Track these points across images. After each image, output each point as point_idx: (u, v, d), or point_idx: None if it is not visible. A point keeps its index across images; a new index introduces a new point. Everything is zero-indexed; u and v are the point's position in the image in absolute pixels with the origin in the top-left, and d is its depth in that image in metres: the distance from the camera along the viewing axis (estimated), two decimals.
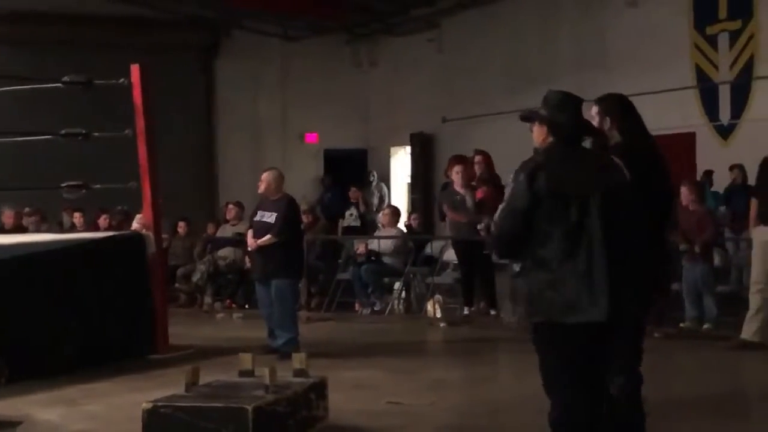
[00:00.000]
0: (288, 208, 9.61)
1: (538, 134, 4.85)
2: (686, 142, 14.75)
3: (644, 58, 15.09)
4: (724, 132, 14.40)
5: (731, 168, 13.00)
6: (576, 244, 4.61)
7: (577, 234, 4.61)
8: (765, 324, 8.95)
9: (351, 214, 16.10)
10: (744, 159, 12.82)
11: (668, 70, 14.71)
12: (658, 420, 6.38)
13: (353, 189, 17.63)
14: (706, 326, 10.00)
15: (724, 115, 14.40)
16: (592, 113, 5.52)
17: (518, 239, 4.74)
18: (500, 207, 4.78)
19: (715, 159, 13.76)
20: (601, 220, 4.61)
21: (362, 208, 17.38)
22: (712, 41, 14.51)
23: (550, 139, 4.79)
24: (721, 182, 13.24)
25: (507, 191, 4.74)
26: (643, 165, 5.19)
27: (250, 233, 9.62)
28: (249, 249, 9.54)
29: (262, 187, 9.68)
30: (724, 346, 9.09)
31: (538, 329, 4.74)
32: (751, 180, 12.48)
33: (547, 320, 4.67)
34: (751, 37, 13.91)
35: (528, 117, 4.91)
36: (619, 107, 5.55)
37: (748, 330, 8.99)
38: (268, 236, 9.35)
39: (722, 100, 14.42)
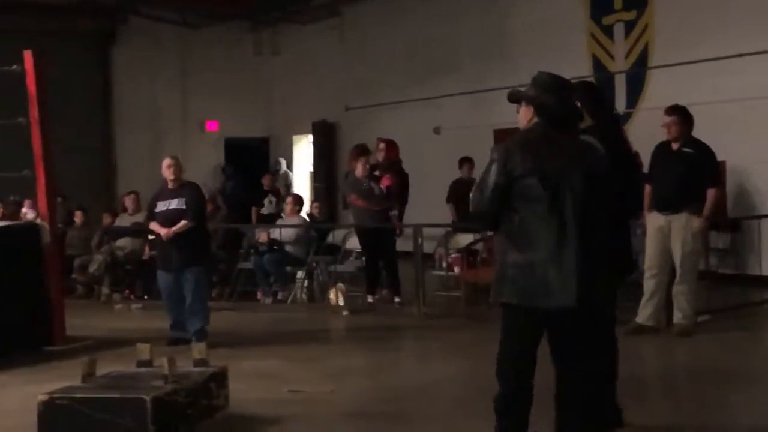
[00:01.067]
0: (198, 193, 9.64)
1: (524, 115, 4.87)
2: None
3: (543, 48, 15.27)
4: (621, 120, 14.66)
5: None
6: (548, 226, 4.61)
7: (550, 216, 4.61)
8: (658, 308, 9.15)
9: (270, 201, 15.96)
10: (639, 147, 12.96)
11: (566, 59, 14.87)
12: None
13: (267, 176, 17.46)
14: None
15: (620, 104, 14.65)
16: None
17: (489, 216, 4.78)
18: (475, 183, 4.84)
19: None
20: (574, 203, 4.62)
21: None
22: (608, 31, 14.76)
23: (535, 119, 4.80)
24: None
25: (483, 168, 4.79)
26: (612, 148, 5.32)
27: (155, 224, 9.45)
28: (164, 238, 9.32)
29: (169, 173, 9.53)
30: (621, 331, 9.24)
31: (506, 311, 4.76)
32: (646, 167, 12.77)
33: (516, 303, 4.69)
34: (645, 28, 14.18)
35: (515, 97, 4.92)
36: (589, 94, 5.74)
37: (643, 314, 9.18)
38: (183, 222, 9.26)
39: (618, 89, 14.68)
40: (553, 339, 4.81)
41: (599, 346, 5.08)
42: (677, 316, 9.07)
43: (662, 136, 9.26)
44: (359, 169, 11.76)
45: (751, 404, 6.64)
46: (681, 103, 9.40)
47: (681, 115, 9.10)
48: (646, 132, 13.48)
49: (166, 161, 9.65)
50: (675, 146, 9.08)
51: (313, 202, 15.06)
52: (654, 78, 14.09)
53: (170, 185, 9.56)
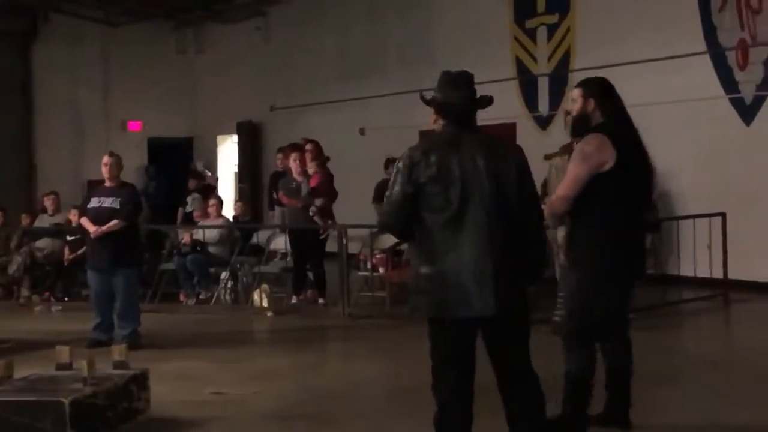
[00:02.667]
0: (134, 194, 9.56)
1: (432, 118, 4.73)
2: (507, 132, 15.11)
3: (467, 50, 15.36)
4: (543, 123, 14.84)
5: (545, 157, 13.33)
6: (457, 234, 4.45)
7: (458, 223, 4.45)
8: None
9: (194, 199, 15.79)
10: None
11: (490, 62, 15.01)
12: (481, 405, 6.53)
13: (192, 179, 17.19)
14: None
15: (543, 107, 14.84)
16: (574, 96, 5.57)
17: (397, 228, 4.73)
18: (386, 194, 4.69)
19: (535, 149, 14.09)
20: (483, 208, 4.46)
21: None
22: (531, 34, 14.92)
23: (441, 121, 4.67)
24: (540, 171, 13.58)
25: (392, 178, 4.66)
26: (623, 146, 5.31)
27: (85, 220, 9.31)
28: (92, 236, 9.18)
29: (105, 171, 9.41)
30: (545, 330, 9.33)
31: (428, 323, 4.67)
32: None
33: (434, 315, 4.58)
34: (568, 31, 14.37)
35: (423, 101, 4.80)
36: (601, 89, 5.56)
37: (559, 313, 9.28)
38: (115, 221, 9.13)
39: (541, 91, 14.85)
40: (486, 345, 4.72)
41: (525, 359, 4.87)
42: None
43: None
44: (293, 168, 11.74)
45: (669, 402, 6.75)
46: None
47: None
48: (567, 136, 13.72)
49: (104, 158, 9.56)
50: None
51: (236, 202, 14.93)
52: (576, 81, 14.19)
53: (107, 183, 9.45)
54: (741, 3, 12.20)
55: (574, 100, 5.57)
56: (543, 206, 5.21)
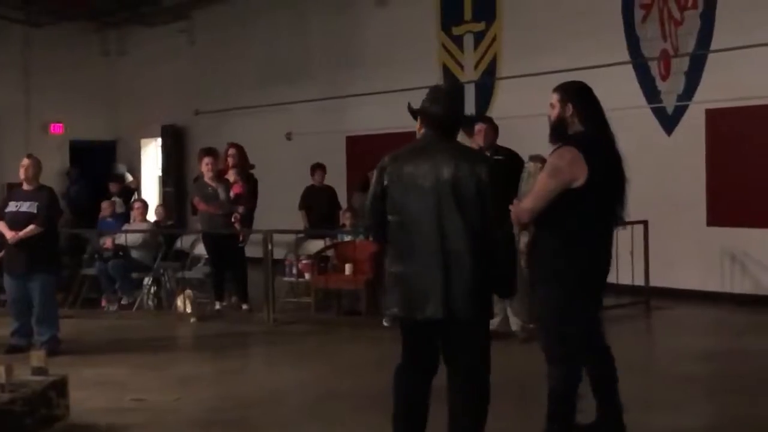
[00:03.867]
0: (52, 198, 9.33)
1: (417, 127, 4.96)
2: None
3: (394, 57, 15.42)
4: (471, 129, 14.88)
5: None
6: (416, 238, 4.64)
7: (417, 229, 4.64)
8: (505, 315, 9.30)
9: (115, 201, 15.55)
10: None
11: (417, 68, 15.06)
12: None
13: (113, 183, 16.93)
14: None
15: (470, 113, 14.89)
16: (552, 101, 5.36)
17: (372, 227, 4.92)
18: None
19: None
20: (441, 217, 4.63)
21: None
22: (458, 42, 14.99)
23: (423, 130, 4.87)
24: None
25: None
26: (604, 155, 5.19)
27: (2, 225, 9.10)
28: (9, 241, 8.97)
29: (23, 174, 9.22)
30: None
31: (399, 322, 4.83)
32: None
33: (399, 314, 4.74)
34: (494, 39, 14.47)
35: (409, 110, 5.04)
36: (579, 94, 5.38)
37: (492, 321, 9.30)
38: (32, 227, 8.93)
39: (468, 99, 14.91)
40: (441, 345, 4.85)
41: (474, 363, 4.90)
42: (514, 322, 9.21)
43: (512, 144, 9.43)
44: (206, 173, 11.64)
45: (589, 407, 6.82)
46: (528, 114, 9.61)
47: (491, 122, 9.41)
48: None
49: (23, 161, 9.35)
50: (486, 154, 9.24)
51: (157, 206, 14.73)
52: (502, 88, 14.37)
53: (25, 186, 9.25)
54: (663, 14, 12.42)
55: (552, 105, 5.37)
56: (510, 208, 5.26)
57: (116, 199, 15.38)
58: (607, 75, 12.61)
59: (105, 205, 14.17)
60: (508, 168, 9.05)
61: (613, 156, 5.30)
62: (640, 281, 11.53)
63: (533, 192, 5.25)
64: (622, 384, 7.56)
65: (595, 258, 5.25)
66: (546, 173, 5.19)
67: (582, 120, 5.27)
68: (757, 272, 11.67)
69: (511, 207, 5.21)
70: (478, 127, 9.29)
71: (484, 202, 4.67)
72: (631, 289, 11.66)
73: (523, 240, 5.43)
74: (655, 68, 12.51)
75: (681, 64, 12.28)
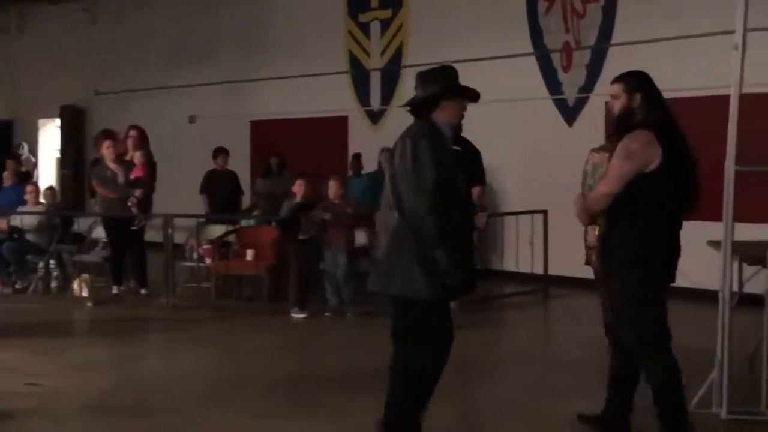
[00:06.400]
0: None
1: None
2: (339, 125, 15.17)
3: (300, 42, 15.35)
4: (375, 117, 14.93)
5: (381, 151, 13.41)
6: (384, 216, 4.85)
7: (385, 210, 4.83)
8: None
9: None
10: (392, 142, 13.33)
11: (323, 55, 15.04)
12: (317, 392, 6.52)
13: (9, 161, 16.48)
14: (348, 315, 10.20)
15: (375, 101, 14.92)
16: (614, 91, 5.18)
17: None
18: None
19: (366, 142, 14.24)
20: (385, 194, 4.81)
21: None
22: (365, 29, 14.98)
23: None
24: (371, 165, 13.66)
25: None
26: (676, 139, 4.99)
27: None
28: None
29: None
30: (384, 324, 9.32)
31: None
32: None
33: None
34: (400, 27, 14.50)
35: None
36: (647, 83, 5.15)
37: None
38: None
39: (373, 86, 14.94)
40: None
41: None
42: None
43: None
44: (107, 156, 11.42)
45: (485, 393, 6.90)
46: None
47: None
48: (399, 129, 13.83)
49: None
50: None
51: (46, 189, 14.36)
52: (408, 77, 14.40)
53: None
54: (566, 7, 12.59)
55: (615, 96, 5.18)
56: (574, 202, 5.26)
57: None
58: (511, 66, 12.77)
59: (6, 175, 13.82)
60: (464, 159, 9.13)
61: (683, 141, 5.10)
62: (539, 269, 11.69)
63: (607, 177, 5.08)
64: (518, 370, 7.69)
65: (669, 244, 5.06)
66: (620, 157, 4.99)
67: (650, 108, 5.08)
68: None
69: (575, 201, 5.22)
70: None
71: (392, 176, 4.77)
72: (530, 277, 11.84)
73: (592, 233, 5.30)
74: (557, 60, 12.68)
75: (582, 57, 12.47)
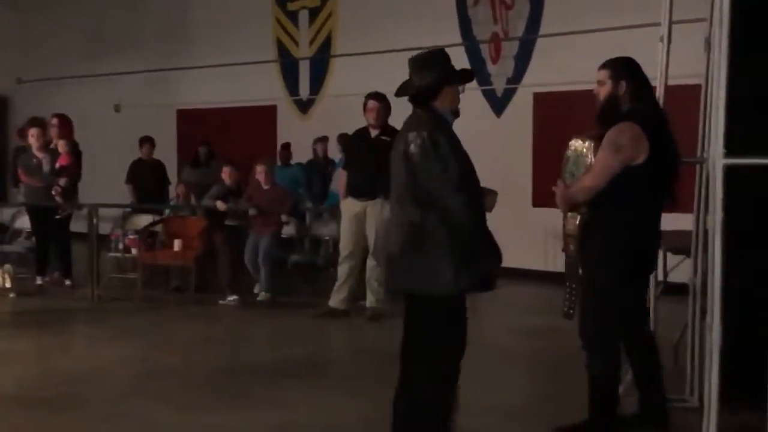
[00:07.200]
0: None
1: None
2: (268, 114, 15.07)
3: (227, 30, 15.21)
4: (303, 107, 14.86)
5: (316, 141, 13.34)
6: (397, 214, 4.67)
7: (396, 206, 4.68)
8: (351, 292, 9.32)
9: None
10: (321, 132, 13.31)
11: (251, 43, 14.92)
12: (242, 384, 6.46)
13: None
14: (261, 296, 10.18)
15: (304, 91, 14.86)
16: (601, 78, 5.09)
17: None
18: None
19: (295, 132, 14.17)
20: (393, 191, 4.67)
21: None
22: (293, 17, 14.89)
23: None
24: (300, 154, 13.59)
25: None
26: (661, 132, 4.90)
27: None
28: None
29: None
30: (313, 314, 9.34)
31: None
32: (331, 153, 13.00)
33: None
34: (329, 16, 14.44)
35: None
36: (633, 70, 5.08)
37: (336, 299, 9.31)
38: None
39: (302, 75, 14.86)
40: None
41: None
42: (370, 300, 9.25)
43: (346, 122, 9.41)
44: (33, 144, 11.20)
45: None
46: (362, 92, 9.57)
47: (386, 102, 9.15)
48: (327, 119, 13.82)
49: None
50: (374, 133, 9.19)
51: None
52: (337, 66, 14.37)
53: None
54: None
55: (600, 83, 5.11)
56: (554, 188, 5.17)
57: None
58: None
59: None
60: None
61: (668, 133, 5.04)
62: None
63: (593, 170, 5.01)
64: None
65: (648, 239, 5.05)
66: (607, 150, 4.94)
67: (636, 97, 5.04)
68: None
69: (555, 188, 5.13)
70: (370, 104, 9.17)
71: (411, 172, 4.54)
72: None
73: (572, 221, 5.27)
74: (485, 51, 12.74)
75: (511, 48, 12.53)
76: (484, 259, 4.60)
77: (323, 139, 13.15)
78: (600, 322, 5.05)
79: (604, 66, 5.14)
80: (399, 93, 4.78)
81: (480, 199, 4.64)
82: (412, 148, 4.50)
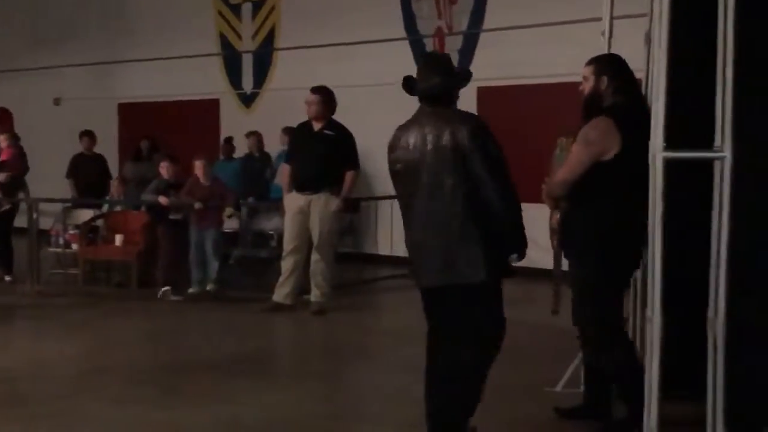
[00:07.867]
0: None
1: None
2: (210, 108, 14.98)
3: (169, 23, 15.08)
4: (247, 100, 14.79)
5: (248, 135, 13.26)
6: (411, 209, 4.72)
7: (411, 199, 4.70)
8: (295, 287, 9.29)
9: None
10: (265, 126, 13.24)
11: (194, 36, 14.81)
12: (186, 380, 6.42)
13: None
14: (210, 287, 10.13)
15: (247, 84, 14.79)
16: (585, 74, 5.11)
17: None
18: None
19: (238, 126, 14.09)
20: (427, 186, 4.62)
21: None
22: (236, 11, 14.81)
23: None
24: (243, 148, 13.51)
25: None
26: (639, 127, 4.78)
27: None
28: None
29: None
30: (257, 309, 9.29)
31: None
32: (269, 147, 12.93)
33: (415, 283, 4.84)
34: (272, 10, 14.38)
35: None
36: (615, 66, 5.14)
37: (280, 293, 9.27)
38: None
39: (245, 69, 14.79)
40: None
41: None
42: (315, 294, 9.23)
43: (288, 116, 9.38)
44: None
45: (363, 374, 6.93)
46: (305, 86, 9.54)
47: (325, 95, 9.13)
48: (271, 113, 13.76)
49: None
50: (316, 127, 9.16)
51: None
52: (281, 60, 14.31)
53: None
54: None
55: (584, 78, 5.16)
56: (543, 186, 5.20)
57: None
58: (384, 50, 12.80)
59: None
60: (337, 143, 9.08)
61: (646, 127, 4.85)
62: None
63: (566, 164, 5.08)
64: (392, 352, 7.73)
65: (627, 233, 4.99)
66: (579, 144, 5.00)
67: (618, 92, 5.08)
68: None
69: (543, 185, 5.19)
70: (308, 98, 9.13)
71: (466, 166, 4.55)
72: (404, 261, 11.80)
73: (555, 218, 5.26)
74: (430, 45, 12.76)
75: (455, 42, 12.58)
76: (518, 248, 4.72)
77: (254, 134, 13.06)
78: (605, 320, 5.06)
79: (589, 62, 5.25)
80: (428, 92, 4.87)
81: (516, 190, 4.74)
82: (467, 141, 4.56)
